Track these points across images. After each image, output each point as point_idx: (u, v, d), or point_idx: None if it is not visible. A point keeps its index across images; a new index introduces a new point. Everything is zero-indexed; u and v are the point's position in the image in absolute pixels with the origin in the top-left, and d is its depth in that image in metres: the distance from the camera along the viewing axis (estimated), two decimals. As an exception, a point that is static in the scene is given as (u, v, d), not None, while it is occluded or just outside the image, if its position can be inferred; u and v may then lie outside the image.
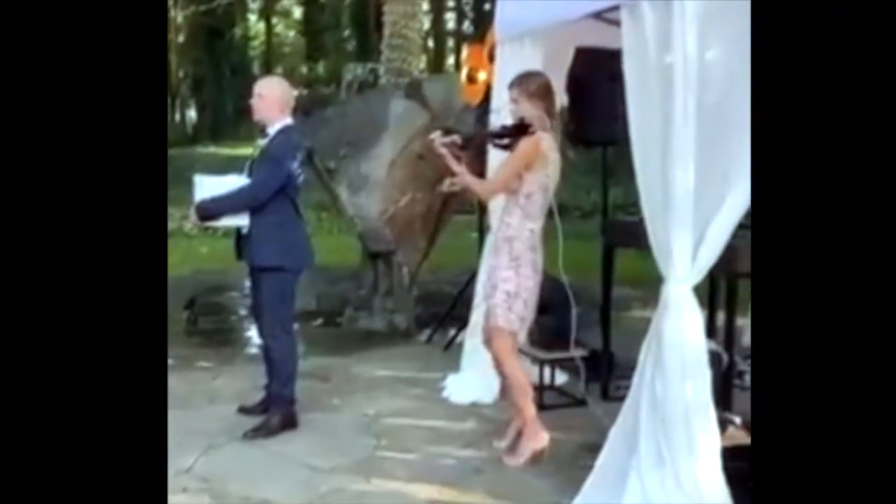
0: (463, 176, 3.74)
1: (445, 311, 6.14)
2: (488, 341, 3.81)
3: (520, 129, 3.64)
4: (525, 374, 3.89)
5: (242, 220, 3.99)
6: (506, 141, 3.74)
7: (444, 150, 3.69)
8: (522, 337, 3.90)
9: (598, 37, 4.10)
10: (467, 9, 29.15)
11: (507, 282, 3.64)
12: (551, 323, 4.57)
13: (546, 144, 3.61)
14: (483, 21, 20.50)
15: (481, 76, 5.44)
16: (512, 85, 3.76)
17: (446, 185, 3.88)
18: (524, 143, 3.62)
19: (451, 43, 29.26)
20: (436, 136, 3.75)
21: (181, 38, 29.12)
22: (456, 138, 3.74)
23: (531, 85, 3.71)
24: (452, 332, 5.82)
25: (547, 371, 4.54)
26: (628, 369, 3.14)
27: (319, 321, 6.75)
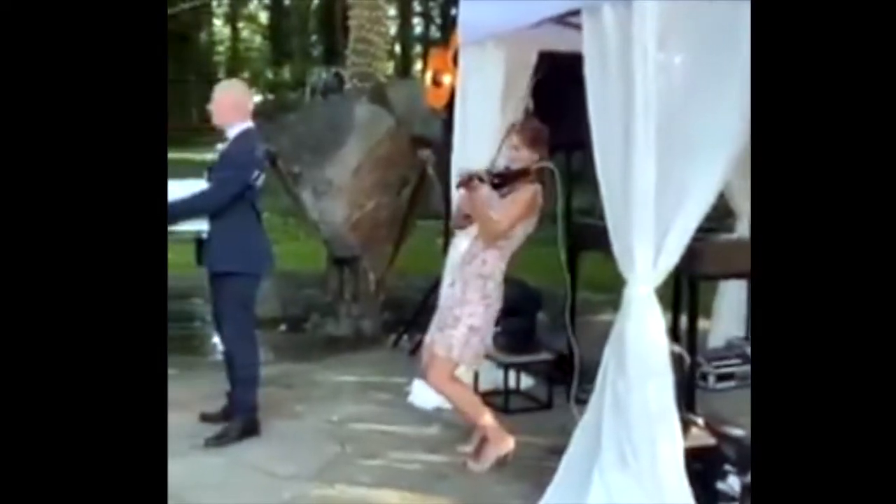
0: (481, 214, 3.69)
1: (411, 316, 6.12)
2: (427, 367, 3.79)
3: (521, 175, 3.67)
4: (466, 389, 3.90)
5: (201, 225, 3.94)
6: (502, 182, 3.73)
7: (482, 192, 3.65)
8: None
9: (561, 41, 4.12)
10: (434, 14, 29.19)
11: (474, 316, 3.65)
12: (516, 326, 4.57)
13: (539, 197, 3.67)
14: (449, 26, 20.55)
15: (446, 80, 5.42)
16: (510, 132, 3.78)
17: (457, 224, 3.91)
18: (524, 193, 3.64)
19: (418, 48, 29.28)
20: (469, 173, 3.70)
21: (145, 43, 28.83)
22: (477, 176, 3.69)
23: (531, 132, 3.76)
24: (419, 337, 5.79)
25: (512, 375, 4.53)
26: (594, 373, 3.14)
27: (284, 327, 6.69)
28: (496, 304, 3.73)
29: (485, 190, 3.66)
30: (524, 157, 3.70)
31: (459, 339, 3.64)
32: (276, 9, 30.08)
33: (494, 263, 3.70)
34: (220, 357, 5.01)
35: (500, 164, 3.79)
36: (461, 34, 4.71)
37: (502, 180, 3.72)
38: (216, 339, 6.04)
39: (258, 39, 33.00)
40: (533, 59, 4.55)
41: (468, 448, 3.81)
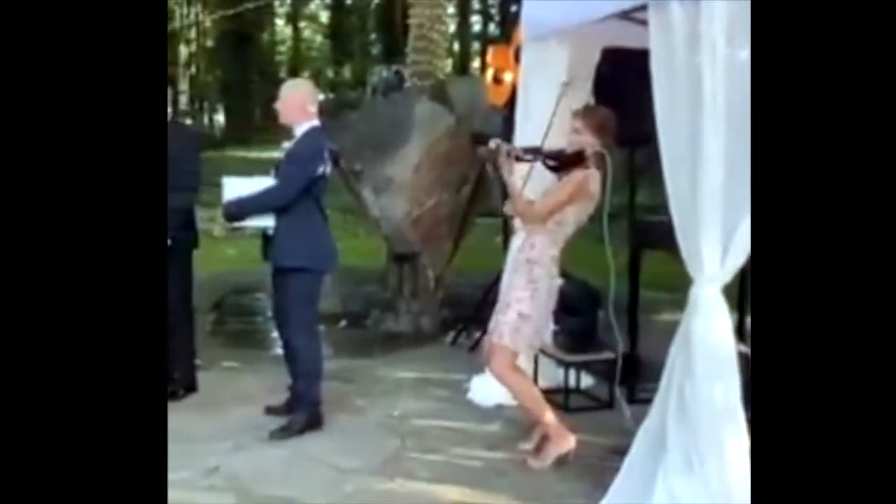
0: (516, 194, 3.73)
1: (470, 313, 6.13)
2: (489, 357, 3.79)
3: (576, 159, 3.64)
4: (529, 383, 3.89)
5: (268, 221, 4.01)
6: (558, 164, 3.72)
7: (506, 159, 3.67)
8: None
9: (626, 36, 4.07)
10: (493, 11, 29.14)
11: (521, 302, 3.64)
12: (577, 325, 4.55)
13: (593, 183, 3.62)
14: (508, 23, 20.47)
15: (507, 77, 5.42)
16: (577, 115, 3.75)
17: (507, 209, 3.91)
18: (575, 175, 3.61)
19: (476, 45, 29.26)
20: (498, 142, 3.73)
21: (209, 43, 29.42)
22: (518, 150, 3.72)
23: (597, 119, 3.71)
24: (477, 334, 5.80)
25: (572, 374, 4.51)
26: (655, 372, 3.11)
27: (344, 323, 6.76)
28: (546, 294, 3.68)
29: (517, 165, 3.65)
30: (586, 141, 3.65)
31: (510, 325, 3.63)
32: (337, 8, 30.43)
33: (543, 249, 3.66)
34: (281, 351, 5.11)
35: (555, 146, 3.77)
36: (524, 30, 4.69)
37: (556, 162, 3.70)
38: (275, 334, 6.18)
39: (319, 39, 33.46)
40: (596, 55, 4.51)
41: (528, 445, 3.81)
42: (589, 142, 3.65)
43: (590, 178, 3.61)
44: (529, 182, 3.95)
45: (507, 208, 3.94)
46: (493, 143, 3.77)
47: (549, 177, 3.83)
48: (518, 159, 3.73)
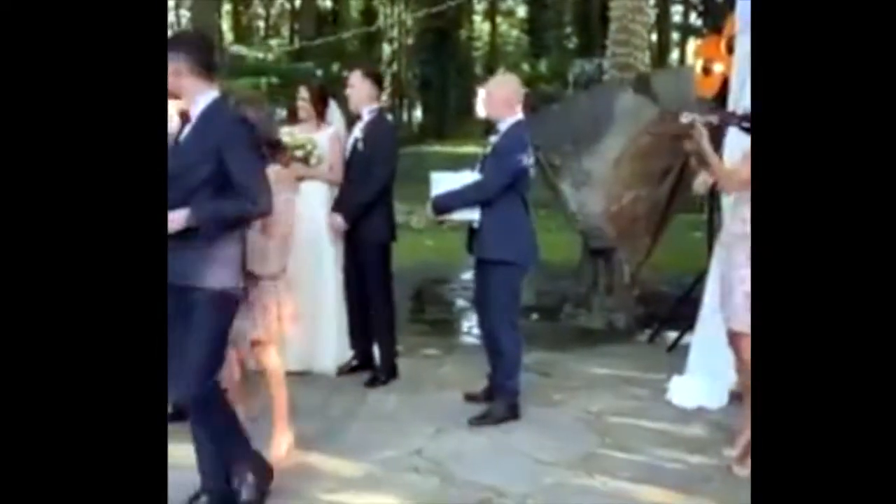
0: (714, 163, 3.60)
1: (667, 311, 5.97)
2: (734, 347, 3.62)
3: None
4: None
5: (473, 215, 4.11)
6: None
7: (702, 132, 3.55)
8: None
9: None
10: (695, 1, 28.00)
11: (745, 282, 3.44)
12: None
13: None
14: (713, 13, 19.61)
15: (717, 68, 5.21)
16: None
17: (699, 185, 3.77)
18: None
19: (675, 37, 28.27)
20: (693, 117, 3.62)
21: (410, 41, 30.48)
22: (712, 119, 3.60)
23: None
24: (674, 333, 5.64)
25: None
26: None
27: (536, 316, 6.80)
28: None
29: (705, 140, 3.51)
30: None
31: (739, 305, 3.42)
32: (534, 3, 30.49)
33: None
34: (477, 341, 5.23)
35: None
36: (741, 20, 4.49)
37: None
38: (471, 324, 6.33)
39: (515, 33, 33.73)
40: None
41: (733, 452, 3.65)
42: None
43: None
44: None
45: (699, 185, 3.76)
46: (685, 118, 3.63)
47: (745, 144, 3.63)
48: (715, 126, 3.56)
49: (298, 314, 3.74)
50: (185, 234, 2.78)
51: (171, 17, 26.32)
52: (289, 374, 3.86)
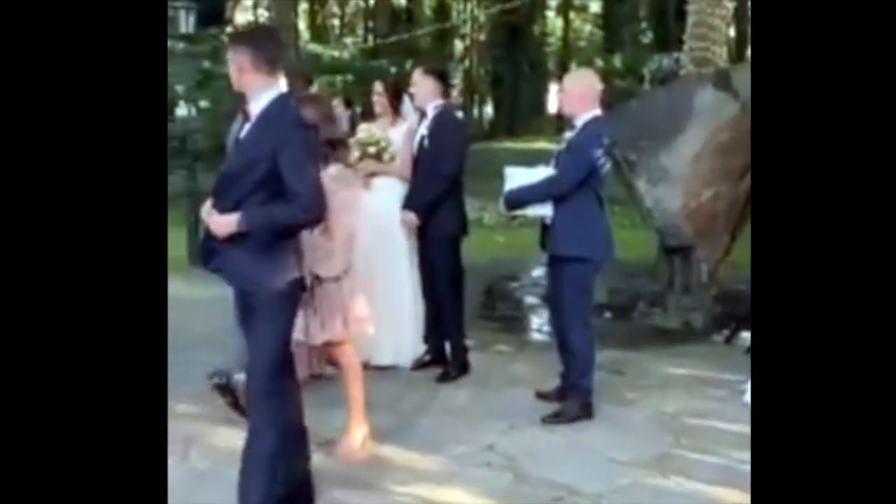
0: None
1: (745, 311, 5.81)
2: None
3: None
4: None
5: (546, 210, 4.08)
6: None
7: None
8: None
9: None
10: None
11: None
12: None
13: None
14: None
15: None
16: None
17: None
18: None
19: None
20: None
21: (482, 37, 30.44)
22: None
23: None
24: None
25: None
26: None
27: (609, 314, 6.71)
28: None
29: None
30: None
31: None
32: (609, -2, 30.08)
33: None
34: (549, 339, 5.19)
35: None
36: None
37: None
38: (541, 321, 6.29)
39: (588, 29, 33.34)
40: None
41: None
42: None
43: None
44: None
45: None
46: None
47: None
48: None
49: (369, 314, 3.73)
50: (238, 237, 2.78)
51: (249, 16, 26.99)
52: (372, 368, 3.88)
